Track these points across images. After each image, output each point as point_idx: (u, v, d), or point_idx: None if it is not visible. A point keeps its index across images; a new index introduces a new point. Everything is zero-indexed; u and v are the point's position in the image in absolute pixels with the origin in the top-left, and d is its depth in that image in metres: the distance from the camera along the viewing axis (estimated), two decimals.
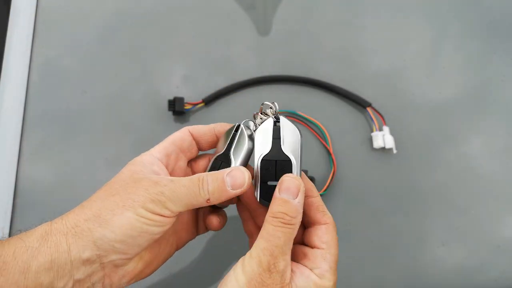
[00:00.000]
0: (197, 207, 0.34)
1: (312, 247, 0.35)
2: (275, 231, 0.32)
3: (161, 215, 0.32)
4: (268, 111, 0.41)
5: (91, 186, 0.61)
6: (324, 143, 0.64)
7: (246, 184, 0.35)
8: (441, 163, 0.64)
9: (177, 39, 0.71)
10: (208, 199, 0.34)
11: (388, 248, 0.60)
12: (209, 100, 0.66)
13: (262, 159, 0.37)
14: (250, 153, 0.39)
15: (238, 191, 0.34)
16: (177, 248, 0.39)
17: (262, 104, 0.40)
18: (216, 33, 0.72)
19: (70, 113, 0.66)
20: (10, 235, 0.60)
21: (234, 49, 0.71)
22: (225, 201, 0.36)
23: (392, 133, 0.64)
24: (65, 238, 0.30)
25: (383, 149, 0.64)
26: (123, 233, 0.31)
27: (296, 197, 0.33)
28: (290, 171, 0.37)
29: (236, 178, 0.34)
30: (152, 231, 0.32)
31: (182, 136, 0.39)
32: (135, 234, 0.31)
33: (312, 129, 0.65)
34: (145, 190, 0.32)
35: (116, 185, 0.34)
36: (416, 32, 0.73)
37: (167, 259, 0.37)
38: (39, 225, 0.33)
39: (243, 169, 0.35)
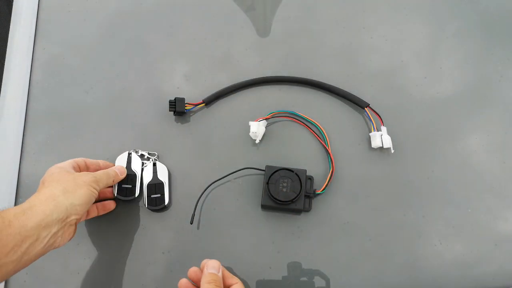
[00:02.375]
0: (108, 186, 0.57)
1: None
2: None
3: (97, 190, 0.53)
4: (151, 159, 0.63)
5: None
6: (323, 143, 0.64)
7: (122, 175, 0.60)
8: (438, 161, 0.65)
9: (178, 39, 0.72)
10: (113, 181, 0.58)
11: (387, 243, 0.61)
12: (210, 101, 0.66)
13: (147, 184, 0.62)
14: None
15: (120, 177, 0.59)
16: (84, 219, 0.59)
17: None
18: (217, 34, 0.72)
19: (72, 111, 0.67)
20: None
21: (234, 49, 0.71)
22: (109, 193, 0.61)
23: (389, 133, 0.65)
24: (49, 207, 0.47)
25: (381, 148, 0.65)
26: (83, 200, 0.50)
27: (219, 272, 0.51)
28: (163, 189, 0.62)
29: (120, 169, 0.60)
30: (91, 200, 0.52)
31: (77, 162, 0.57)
32: (87, 201, 0.51)
33: (311, 129, 0.66)
34: (86, 175, 0.53)
35: (62, 177, 0.52)
36: (414, 32, 0.73)
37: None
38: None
39: (123, 168, 0.61)
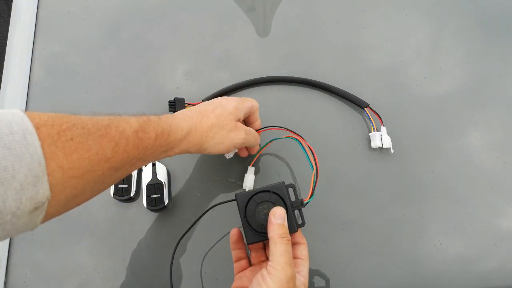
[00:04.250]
0: (249, 149, 0.61)
1: (295, 257, 0.48)
2: (287, 247, 0.44)
3: (236, 148, 0.56)
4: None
5: None
6: (296, 136, 0.59)
7: (256, 150, 0.62)
8: (438, 161, 0.65)
9: (178, 39, 0.72)
10: (254, 147, 0.60)
11: (387, 243, 0.61)
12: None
13: (147, 184, 0.62)
14: None
15: (254, 152, 0.62)
16: None
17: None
18: (216, 34, 0.72)
19: (72, 111, 0.67)
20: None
21: (234, 49, 0.71)
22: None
23: (389, 133, 0.65)
24: (193, 141, 0.50)
25: (380, 149, 0.65)
26: (215, 151, 0.52)
27: (285, 221, 0.47)
28: (162, 190, 0.61)
29: (256, 149, 0.62)
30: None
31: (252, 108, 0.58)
32: (217, 153, 0.53)
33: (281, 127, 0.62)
34: (239, 138, 0.53)
35: (226, 123, 0.52)
36: (414, 32, 0.73)
37: None
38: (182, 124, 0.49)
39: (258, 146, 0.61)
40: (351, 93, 0.67)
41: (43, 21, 0.73)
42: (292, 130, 0.58)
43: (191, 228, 0.58)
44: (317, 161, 0.54)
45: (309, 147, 0.55)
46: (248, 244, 0.49)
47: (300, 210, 0.51)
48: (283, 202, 0.49)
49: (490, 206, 0.63)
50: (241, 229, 0.50)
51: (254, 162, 0.63)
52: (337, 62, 0.70)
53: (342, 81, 0.68)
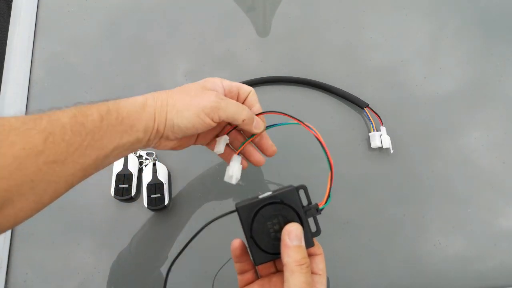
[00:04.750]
0: (234, 122, 0.48)
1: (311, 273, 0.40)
2: (306, 277, 0.36)
3: (211, 119, 0.45)
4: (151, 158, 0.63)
5: (94, 186, 0.62)
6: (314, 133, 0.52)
7: (261, 130, 0.51)
8: (438, 161, 0.65)
9: (178, 39, 0.72)
10: (244, 120, 0.47)
11: (387, 243, 0.61)
12: None
13: (147, 184, 0.61)
14: None
15: (254, 130, 0.50)
16: (187, 145, 0.52)
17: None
18: (216, 33, 0.72)
19: None
20: (11, 235, 0.61)
21: (234, 49, 0.71)
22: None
23: (389, 133, 0.65)
24: (153, 112, 0.44)
25: (380, 149, 0.65)
26: (184, 124, 0.44)
27: (302, 241, 0.38)
28: (162, 190, 0.60)
29: (258, 122, 0.50)
30: (198, 128, 0.45)
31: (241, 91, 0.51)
32: (189, 126, 0.45)
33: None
34: (208, 100, 0.45)
35: (191, 89, 0.47)
36: (414, 32, 0.73)
37: (183, 148, 0.51)
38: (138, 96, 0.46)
39: (263, 122, 0.51)
40: (351, 93, 0.67)
41: (43, 21, 0.73)
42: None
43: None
44: (330, 157, 0.46)
45: (320, 140, 0.47)
46: (257, 265, 0.40)
47: (315, 217, 0.43)
48: (296, 214, 0.40)
49: (490, 206, 0.63)
50: (245, 241, 0.41)
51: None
52: (337, 62, 0.71)
53: (342, 81, 0.68)
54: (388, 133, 0.65)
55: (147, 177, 0.61)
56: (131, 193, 0.61)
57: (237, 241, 0.42)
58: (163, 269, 0.59)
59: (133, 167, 0.62)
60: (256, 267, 0.44)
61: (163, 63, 0.70)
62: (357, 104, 0.66)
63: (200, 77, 0.69)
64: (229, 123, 0.51)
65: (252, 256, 0.40)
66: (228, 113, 0.46)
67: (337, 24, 0.73)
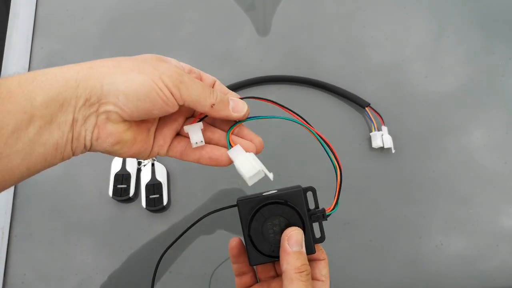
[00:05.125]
0: (199, 108, 0.36)
1: (313, 279, 0.38)
2: (307, 285, 0.34)
3: (172, 93, 0.33)
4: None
5: (92, 186, 0.62)
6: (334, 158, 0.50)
7: (243, 114, 0.39)
8: (439, 161, 0.64)
9: (177, 37, 0.71)
10: (213, 104, 0.36)
11: (388, 244, 0.61)
12: None
13: (146, 184, 0.60)
14: None
15: (234, 115, 0.38)
16: (142, 153, 0.39)
17: None
18: (215, 33, 0.72)
19: None
20: (9, 235, 0.60)
21: (233, 48, 0.71)
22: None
23: (390, 132, 0.64)
24: (76, 75, 0.32)
25: (381, 149, 0.65)
26: (131, 88, 0.32)
27: (303, 246, 0.36)
28: (161, 190, 0.59)
29: (238, 104, 0.39)
30: (154, 102, 0.33)
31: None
32: (141, 96, 0.32)
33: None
34: (168, 68, 0.34)
35: (142, 57, 0.36)
36: (415, 31, 0.72)
37: (136, 154, 0.38)
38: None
39: (244, 103, 0.39)
40: (352, 92, 0.66)
41: (42, 19, 0.73)
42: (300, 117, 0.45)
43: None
44: (337, 157, 0.42)
45: (321, 137, 0.43)
46: (251, 265, 0.38)
47: (320, 222, 0.40)
48: (299, 217, 0.38)
49: (492, 206, 0.62)
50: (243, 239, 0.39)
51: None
52: (337, 61, 0.70)
53: (343, 80, 0.67)
54: (389, 133, 0.64)
55: (145, 178, 0.61)
56: (129, 194, 0.60)
57: (235, 240, 0.40)
58: (162, 269, 0.59)
59: (131, 167, 0.61)
60: (255, 270, 0.42)
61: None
62: (358, 103, 0.66)
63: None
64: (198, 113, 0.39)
65: (248, 254, 0.38)
66: (192, 93, 0.35)
67: (338, 23, 0.73)
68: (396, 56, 0.71)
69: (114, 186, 0.60)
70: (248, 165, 0.38)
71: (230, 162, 0.39)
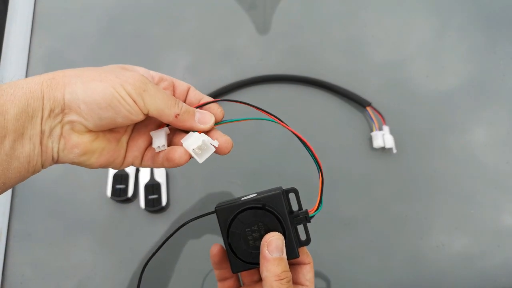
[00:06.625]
0: (163, 119, 0.35)
1: (296, 283, 0.37)
2: None
3: (135, 101, 0.33)
4: None
5: (91, 186, 0.62)
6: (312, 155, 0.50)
7: (209, 125, 0.38)
8: (441, 161, 0.64)
9: (177, 36, 0.71)
10: (178, 115, 0.35)
11: (389, 244, 0.60)
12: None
13: (145, 185, 0.60)
14: None
15: (199, 126, 0.37)
16: (112, 163, 0.38)
17: None
18: (216, 31, 0.71)
19: None
20: (8, 236, 0.60)
21: (233, 47, 0.70)
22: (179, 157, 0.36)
23: (392, 132, 0.64)
24: (40, 86, 0.31)
25: (383, 148, 0.64)
26: (93, 97, 0.32)
27: (283, 252, 0.35)
28: (160, 190, 0.59)
29: (204, 116, 0.38)
30: (116, 110, 0.32)
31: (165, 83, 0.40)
32: (102, 104, 0.32)
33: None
34: (131, 76, 0.33)
35: (105, 68, 0.35)
36: (416, 30, 0.72)
37: (105, 164, 0.37)
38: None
39: (211, 115, 0.38)
40: (353, 91, 0.66)
41: (41, 17, 0.73)
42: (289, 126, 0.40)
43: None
44: (316, 155, 0.38)
45: (296, 134, 0.39)
46: (233, 272, 0.37)
47: (305, 225, 0.38)
48: (280, 222, 0.36)
49: (494, 206, 0.62)
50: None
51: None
52: (338, 60, 0.69)
53: (344, 79, 0.67)
54: (391, 133, 0.64)
55: (144, 178, 0.61)
56: (128, 194, 0.60)
57: (216, 247, 0.39)
58: (161, 270, 0.59)
59: (130, 167, 0.61)
60: (239, 274, 0.40)
61: (163, 60, 0.69)
62: (359, 103, 0.65)
63: (200, 74, 0.69)
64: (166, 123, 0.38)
65: (230, 262, 0.37)
66: (156, 102, 0.34)
67: (339, 22, 0.72)
68: (398, 55, 0.70)
69: (113, 186, 0.60)
70: (194, 140, 0.36)
71: (188, 156, 0.37)
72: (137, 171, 0.62)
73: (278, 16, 0.72)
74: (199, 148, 0.36)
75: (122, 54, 0.69)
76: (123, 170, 0.60)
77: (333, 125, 0.65)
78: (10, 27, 0.71)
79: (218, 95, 0.65)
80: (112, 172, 0.60)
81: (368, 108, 0.64)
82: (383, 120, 0.64)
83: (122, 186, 0.60)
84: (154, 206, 0.59)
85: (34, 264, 0.60)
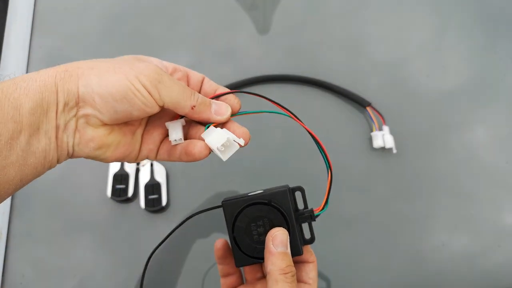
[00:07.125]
0: (179, 111, 0.35)
1: (299, 281, 0.37)
2: (292, 286, 0.33)
3: (150, 93, 0.32)
4: None
5: (91, 186, 0.62)
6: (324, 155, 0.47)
7: (226, 116, 0.37)
8: (441, 161, 0.64)
9: (177, 35, 0.71)
10: (194, 106, 0.35)
11: (389, 244, 0.60)
12: None
13: (145, 185, 0.60)
14: None
15: (216, 118, 0.36)
16: (128, 157, 0.37)
17: None
18: (216, 30, 0.71)
19: None
20: (8, 235, 0.60)
21: (233, 47, 0.70)
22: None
23: (392, 132, 0.64)
24: (53, 79, 0.30)
25: (383, 149, 0.64)
26: (107, 90, 0.31)
27: (287, 247, 0.35)
28: (160, 190, 0.59)
29: (220, 107, 0.37)
30: (131, 102, 0.32)
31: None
32: (117, 97, 0.31)
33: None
34: (146, 67, 0.33)
35: (120, 58, 0.36)
36: (417, 29, 0.72)
37: (121, 158, 0.37)
38: None
39: (228, 106, 0.37)
40: (353, 91, 0.66)
41: (41, 16, 0.73)
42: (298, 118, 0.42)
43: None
44: (328, 158, 0.41)
45: (310, 132, 0.41)
46: (237, 267, 0.38)
47: (309, 223, 0.39)
48: (285, 219, 0.37)
49: (495, 206, 0.62)
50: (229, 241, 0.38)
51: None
52: (338, 60, 0.69)
53: (343, 79, 0.67)
54: (391, 133, 0.64)
55: (144, 178, 0.61)
56: (128, 194, 0.60)
57: (221, 242, 0.39)
58: (161, 270, 0.59)
59: (130, 167, 0.61)
60: (242, 271, 0.41)
61: (163, 59, 0.69)
62: (359, 102, 0.65)
63: (201, 72, 0.68)
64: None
65: (234, 256, 0.37)
66: (172, 94, 0.33)
67: (339, 21, 0.72)
68: (398, 55, 0.70)
69: (113, 186, 0.60)
70: (217, 137, 0.36)
71: (208, 150, 0.36)
72: (137, 171, 0.62)
73: (278, 16, 0.72)
74: (223, 145, 0.36)
75: (122, 54, 0.69)
76: (123, 170, 0.60)
77: (333, 125, 0.65)
78: (10, 27, 0.71)
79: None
80: (112, 172, 0.60)
81: (368, 108, 0.64)
82: (383, 120, 0.64)
83: (122, 186, 0.60)
84: (154, 206, 0.59)
85: (34, 264, 0.60)
